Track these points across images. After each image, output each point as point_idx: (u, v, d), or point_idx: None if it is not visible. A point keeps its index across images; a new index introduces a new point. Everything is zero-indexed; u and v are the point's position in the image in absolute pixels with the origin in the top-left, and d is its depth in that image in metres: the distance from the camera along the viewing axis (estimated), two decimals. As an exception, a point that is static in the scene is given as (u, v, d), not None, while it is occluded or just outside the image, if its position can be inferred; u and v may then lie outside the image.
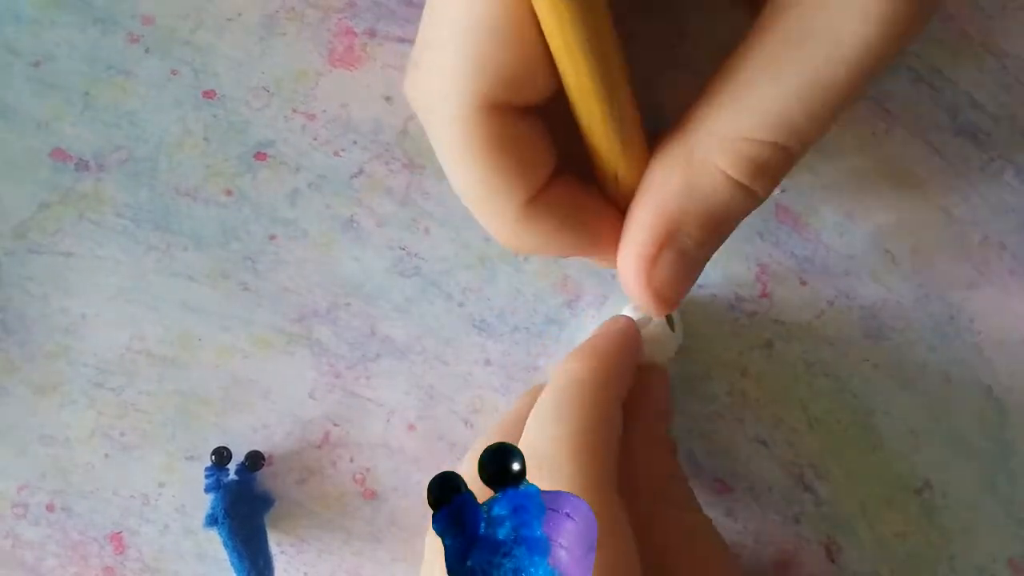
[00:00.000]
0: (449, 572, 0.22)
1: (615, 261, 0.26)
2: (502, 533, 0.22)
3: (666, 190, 0.24)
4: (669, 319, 0.30)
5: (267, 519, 0.31)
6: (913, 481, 0.31)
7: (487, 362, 0.32)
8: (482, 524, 0.22)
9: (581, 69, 0.22)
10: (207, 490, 0.31)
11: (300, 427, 0.32)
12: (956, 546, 0.31)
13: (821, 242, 0.31)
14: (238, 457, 0.31)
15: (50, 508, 0.32)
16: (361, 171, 0.32)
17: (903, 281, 0.31)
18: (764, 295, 0.31)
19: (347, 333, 0.32)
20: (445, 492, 0.22)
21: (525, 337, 0.32)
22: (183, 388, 0.32)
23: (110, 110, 0.32)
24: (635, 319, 0.29)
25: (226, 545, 0.30)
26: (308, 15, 0.32)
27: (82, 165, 0.32)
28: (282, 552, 0.32)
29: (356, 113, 0.32)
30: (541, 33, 0.22)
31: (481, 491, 0.22)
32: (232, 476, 0.31)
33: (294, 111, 0.32)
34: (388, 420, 0.32)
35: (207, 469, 0.31)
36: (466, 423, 0.32)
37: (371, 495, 0.32)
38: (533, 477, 0.24)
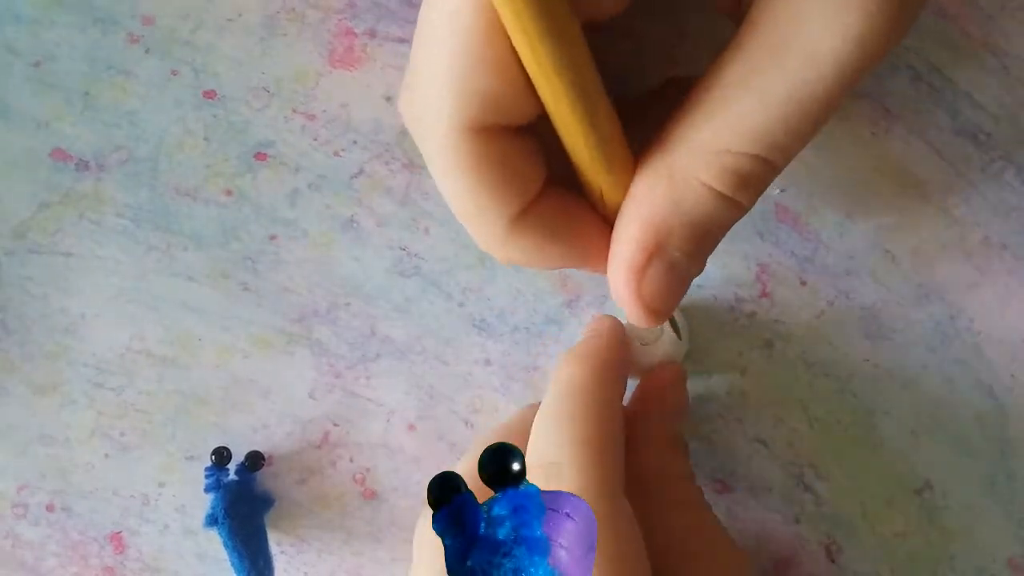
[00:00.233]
0: (449, 572, 0.22)
1: (606, 272, 0.26)
2: (502, 533, 0.22)
3: (651, 203, 0.24)
4: (675, 325, 0.30)
5: (267, 519, 0.31)
6: (913, 481, 0.31)
7: (487, 362, 0.32)
8: (482, 524, 0.22)
9: (558, 93, 0.23)
10: (207, 490, 0.31)
11: (300, 427, 0.32)
12: (956, 546, 0.31)
13: (821, 242, 0.31)
14: (238, 457, 0.31)
15: (50, 508, 0.32)
16: (361, 171, 0.32)
17: (903, 281, 0.31)
18: (764, 295, 0.31)
19: (347, 333, 0.32)
20: (445, 492, 0.22)
21: (525, 337, 0.32)
22: (183, 388, 0.32)
23: (110, 110, 0.32)
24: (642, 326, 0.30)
25: (226, 545, 0.30)
26: (308, 16, 0.32)
27: (82, 165, 0.32)
28: (282, 552, 0.32)
29: (356, 113, 0.32)
30: None
31: (481, 491, 0.22)
32: (232, 476, 0.31)
33: (294, 111, 0.32)
34: (388, 420, 0.32)
35: (207, 469, 0.31)
36: (466, 423, 0.32)
37: (371, 495, 0.32)
38: (541, 482, 0.24)
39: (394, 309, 0.32)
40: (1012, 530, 0.31)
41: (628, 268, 0.25)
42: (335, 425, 0.32)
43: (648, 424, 0.29)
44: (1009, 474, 0.31)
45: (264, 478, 0.32)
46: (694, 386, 0.31)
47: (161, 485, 0.32)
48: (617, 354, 0.28)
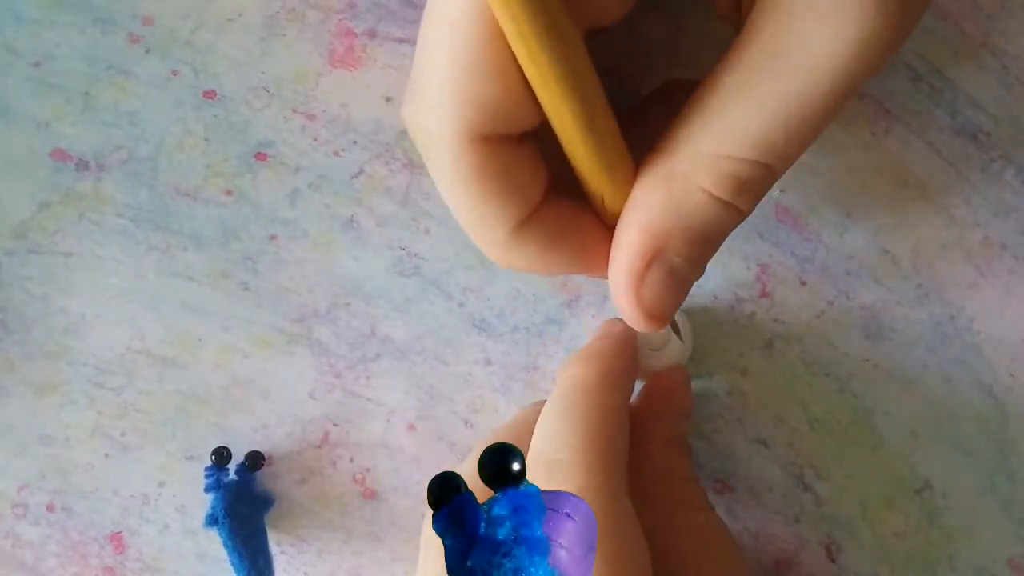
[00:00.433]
0: (449, 572, 0.22)
1: (607, 277, 0.26)
2: (502, 533, 0.22)
3: (651, 209, 0.24)
4: (675, 328, 0.30)
5: (267, 519, 0.31)
6: (913, 481, 0.31)
7: (487, 362, 0.32)
8: (482, 524, 0.22)
9: (558, 100, 0.23)
10: (207, 490, 0.31)
11: (300, 427, 0.32)
12: (956, 546, 0.31)
13: (821, 242, 0.31)
14: (238, 457, 0.31)
15: (50, 508, 0.32)
16: (361, 171, 0.32)
17: (903, 281, 0.31)
18: (764, 295, 0.31)
19: (347, 333, 0.32)
20: (445, 492, 0.22)
21: (525, 337, 0.32)
22: (183, 388, 0.32)
23: (110, 110, 0.32)
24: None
25: (226, 545, 0.30)
26: (308, 16, 0.32)
27: (82, 165, 0.32)
28: (282, 552, 0.32)
29: (356, 113, 0.32)
30: None
31: (481, 491, 0.22)
32: (232, 476, 0.31)
33: (294, 111, 0.32)
34: (388, 420, 0.32)
35: (207, 469, 0.31)
36: (466, 423, 0.32)
37: (371, 495, 0.32)
38: (544, 481, 0.24)
39: (394, 309, 0.32)
40: (1012, 530, 0.31)
41: (628, 274, 0.25)
42: (335, 425, 0.32)
43: (653, 426, 0.29)
44: (1009, 474, 0.31)
45: (264, 478, 0.32)
46: (695, 386, 0.31)
47: (161, 485, 0.32)
48: (624, 357, 0.28)
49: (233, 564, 0.30)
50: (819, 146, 0.31)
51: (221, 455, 0.31)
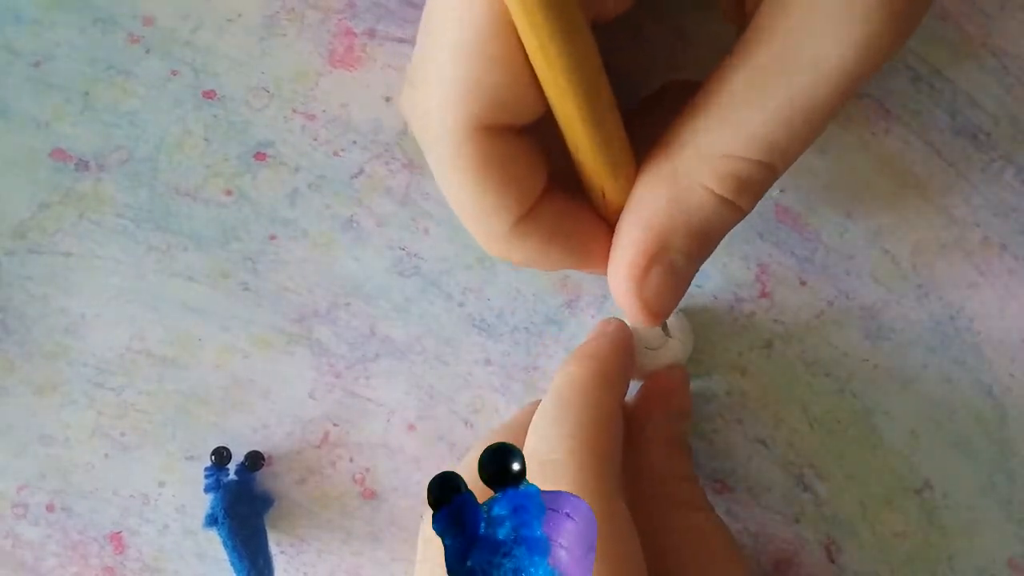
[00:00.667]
0: (449, 572, 0.22)
1: (607, 272, 0.26)
2: (502, 533, 0.22)
3: (653, 206, 0.24)
4: (666, 328, 0.30)
5: (267, 519, 0.31)
6: (913, 481, 0.31)
7: (487, 362, 0.32)
8: (482, 524, 0.22)
9: (565, 93, 0.23)
10: (207, 490, 0.31)
11: (300, 427, 0.32)
12: (956, 546, 0.31)
13: (821, 242, 0.31)
14: (238, 457, 0.31)
15: (50, 508, 0.32)
16: (361, 171, 0.32)
17: (903, 281, 0.31)
18: (764, 295, 0.31)
19: (347, 333, 0.32)
20: (445, 492, 0.22)
21: (525, 337, 0.32)
22: (183, 388, 0.32)
23: (110, 110, 0.32)
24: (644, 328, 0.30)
25: (226, 545, 0.30)
26: (308, 16, 0.32)
27: (82, 165, 0.32)
28: (282, 552, 0.32)
29: (356, 113, 0.32)
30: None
31: (481, 491, 0.22)
32: (232, 476, 0.31)
33: (294, 111, 0.32)
34: (388, 420, 0.32)
35: (207, 469, 0.31)
36: (466, 423, 0.32)
37: (371, 495, 0.32)
38: (538, 480, 0.24)
39: (394, 309, 0.32)
40: (1012, 530, 0.31)
41: (629, 270, 0.25)
42: (335, 425, 0.32)
43: (652, 425, 0.29)
44: (1009, 474, 0.31)
45: (264, 478, 0.32)
46: (694, 386, 0.31)
47: (161, 485, 0.32)
48: (620, 356, 0.28)
49: (233, 564, 0.30)
50: (819, 146, 0.31)
51: (221, 455, 0.31)
